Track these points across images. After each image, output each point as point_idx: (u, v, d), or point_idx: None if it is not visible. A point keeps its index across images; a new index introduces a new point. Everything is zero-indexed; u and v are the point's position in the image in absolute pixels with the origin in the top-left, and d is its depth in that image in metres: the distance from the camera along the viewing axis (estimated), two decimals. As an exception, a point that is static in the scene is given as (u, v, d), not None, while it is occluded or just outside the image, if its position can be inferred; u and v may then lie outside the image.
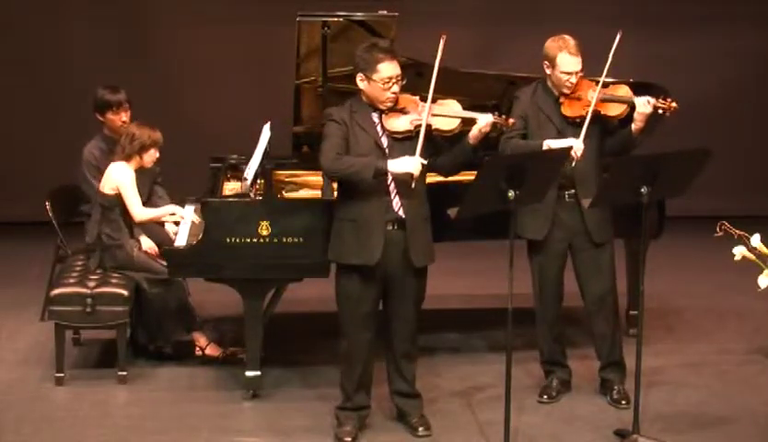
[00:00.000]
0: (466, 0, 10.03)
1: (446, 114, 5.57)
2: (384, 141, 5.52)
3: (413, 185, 5.43)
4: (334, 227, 5.66)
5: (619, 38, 5.81)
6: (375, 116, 5.54)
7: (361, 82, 5.52)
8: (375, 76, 5.46)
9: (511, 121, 5.67)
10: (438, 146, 5.62)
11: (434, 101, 5.54)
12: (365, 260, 5.51)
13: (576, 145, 5.81)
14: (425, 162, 5.45)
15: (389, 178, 5.48)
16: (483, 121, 5.52)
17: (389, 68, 5.46)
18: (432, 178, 5.84)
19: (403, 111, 5.54)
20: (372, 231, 5.50)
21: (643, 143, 5.97)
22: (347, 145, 5.48)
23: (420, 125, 5.48)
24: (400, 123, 5.51)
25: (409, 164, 5.40)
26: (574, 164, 5.83)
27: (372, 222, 5.49)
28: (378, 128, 5.53)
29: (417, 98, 5.58)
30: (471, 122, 5.56)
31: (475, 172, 5.35)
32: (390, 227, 5.51)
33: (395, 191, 5.50)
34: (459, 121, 5.58)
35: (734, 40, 10.18)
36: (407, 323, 5.70)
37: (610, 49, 5.88)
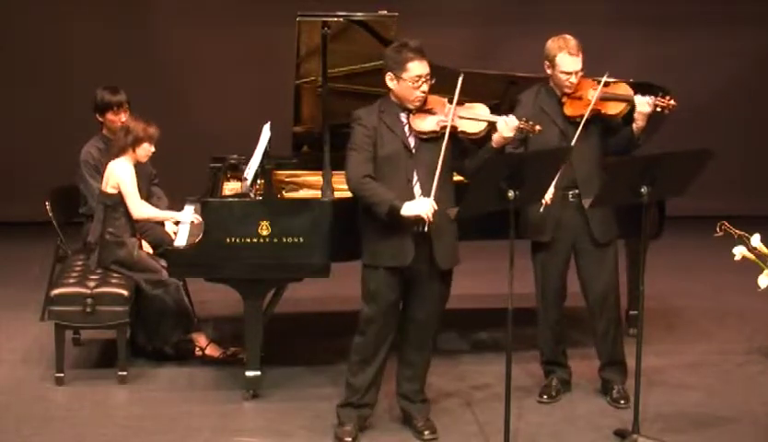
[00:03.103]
0: (466, 0, 10.04)
1: (472, 117, 5.55)
2: (411, 141, 5.52)
3: (426, 228, 5.39)
4: (364, 231, 5.62)
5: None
6: (403, 116, 5.54)
7: (390, 81, 5.52)
8: (404, 75, 5.46)
9: (537, 127, 5.57)
10: (465, 149, 5.61)
11: (461, 104, 5.54)
12: (399, 261, 5.50)
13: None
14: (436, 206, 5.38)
15: (415, 178, 5.46)
16: (507, 126, 5.49)
17: (418, 67, 5.46)
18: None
19: (431, 112, 5.54)
20: (403, 234, 5.48)
21: (646, 143, 5.96)
22: (375, 149, 5.49)
23: (446, 127, 5.48)
24: (426, 124, 5.51)
25: (422, 207, 5.38)
26: (542, 209, 5.84)
27: (401, 224, 5.45)
28: (406, 128, 5.53)
29: (446, 100, 5.58)
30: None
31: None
32: (416, 229, 5.48)
33: (420, 193, 5.47)
34: (485, 124, 5.54)
35: (734, 40, 10.19)
36: (426, 328, 5.69)
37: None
